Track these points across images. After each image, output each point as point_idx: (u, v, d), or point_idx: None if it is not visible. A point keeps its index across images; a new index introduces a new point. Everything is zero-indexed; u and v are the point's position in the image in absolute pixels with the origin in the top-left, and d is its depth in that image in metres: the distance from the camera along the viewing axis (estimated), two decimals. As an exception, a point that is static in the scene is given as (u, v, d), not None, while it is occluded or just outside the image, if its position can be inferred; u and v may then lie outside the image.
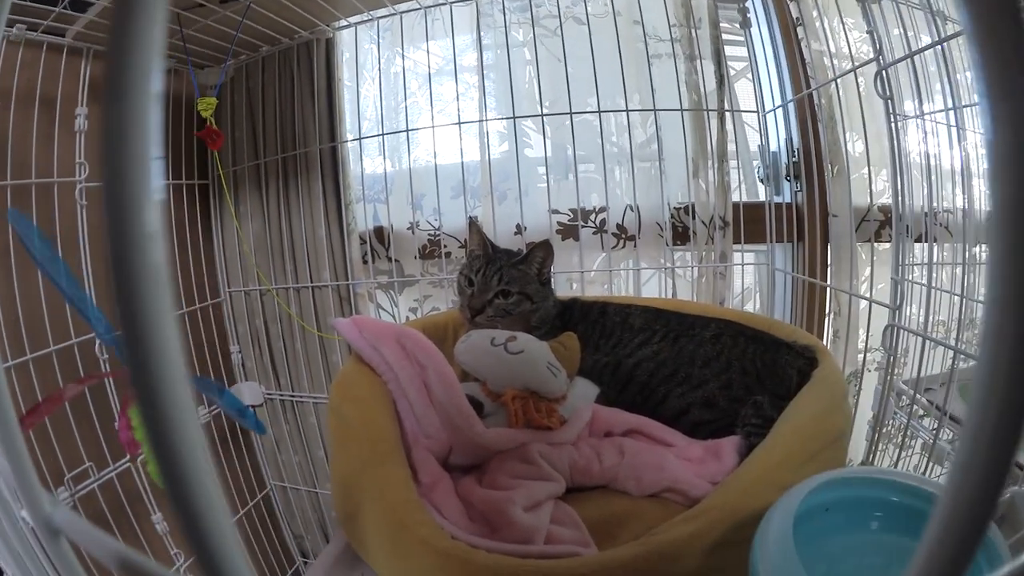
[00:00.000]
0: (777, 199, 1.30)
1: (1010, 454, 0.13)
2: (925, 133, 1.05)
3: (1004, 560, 0.40)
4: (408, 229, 1.35)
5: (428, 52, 1.30)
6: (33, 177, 1.01)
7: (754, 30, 1.28)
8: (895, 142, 0.89)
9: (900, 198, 0.91)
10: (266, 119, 1.35)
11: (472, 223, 0.94)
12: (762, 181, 1.32)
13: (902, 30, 0.97)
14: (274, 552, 1.44)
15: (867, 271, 1.25)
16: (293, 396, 1.41)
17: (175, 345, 0.14)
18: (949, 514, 0.14)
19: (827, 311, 1.30)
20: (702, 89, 1.25)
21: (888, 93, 0.87)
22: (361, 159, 1.32)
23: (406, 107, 1.36)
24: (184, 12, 1.06)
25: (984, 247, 1.09)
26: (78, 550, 0.25)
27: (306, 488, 1.44)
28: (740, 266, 1.31)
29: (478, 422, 0.64)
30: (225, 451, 1.36)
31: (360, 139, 1.32)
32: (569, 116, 1.22)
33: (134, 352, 0.13)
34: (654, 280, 1.32)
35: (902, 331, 0.91)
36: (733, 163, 1.29)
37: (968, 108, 1.03)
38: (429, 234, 1.36)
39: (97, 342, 1.03)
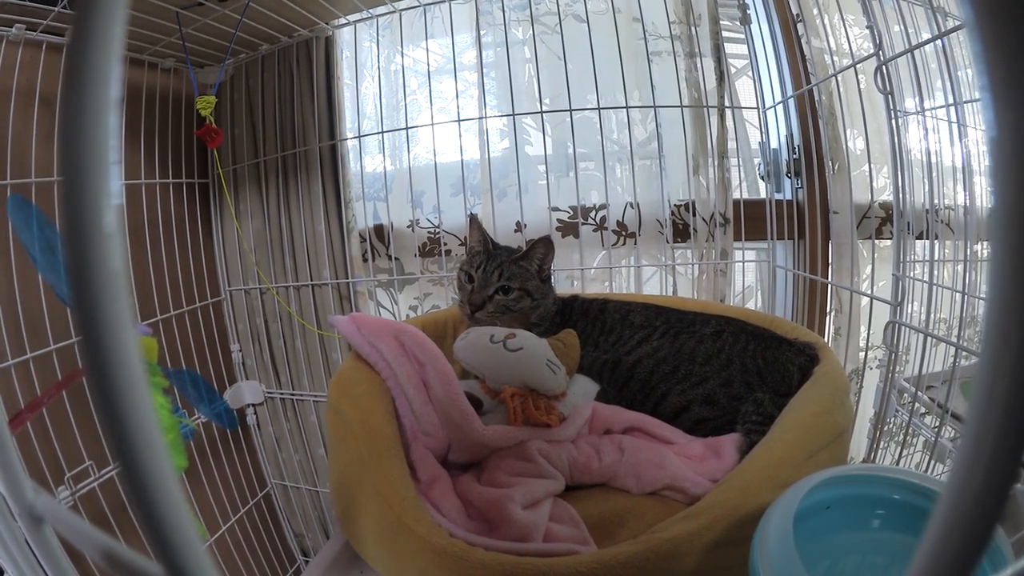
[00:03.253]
0: (778, 196, 1.29)
1: (1020, 445, 0.13)
2: (926, 130, 1.04)
3: (1007, 561, 0.39)
4: (408, 227, 1.35)
5: (428, 50, 1.30)
6: (32, 176, 1.01)
7: (754, 27, 1.28)
8: (896, 138, 0.89)
9: (901, 195, 0.91)
10: (265, 117, 1.35)
11: (472, 219, 0.93)
12: (763, 178, 1.31)
13: (902, 26, 0.96)
14: (275, 551, 1.44)
15: (868, 268, 1.24)
16: (293, 394, 1.41)
17: (133, 347, 0.13)
18: (952, 514, 0.13)
19: (828, 308, 1.29)
20: (702, 86, 1.24)
21: (888, 89, 0.86)
22: (361, 157, 1.32)
23: (406, 105, 1.35)
24: (183, 11, 1.06)
25: (986, 244, 1.09)
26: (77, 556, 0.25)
27: (307, 486, 1.44)
28: (741, 263, 1.30)
29: (477, 420, 0.64)
30: (226, 450, 1.36)
31: (360, 137, 1.32)
32: (569, 113, 1.21)
33: (91, 353, 0.13)
34: (655, 278, 1.32)
35: (904, 328, 0.91)
36: (734, 160, 1.28)
37: (969, 104, 1.02)
38: (429, 232, 1.36)
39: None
